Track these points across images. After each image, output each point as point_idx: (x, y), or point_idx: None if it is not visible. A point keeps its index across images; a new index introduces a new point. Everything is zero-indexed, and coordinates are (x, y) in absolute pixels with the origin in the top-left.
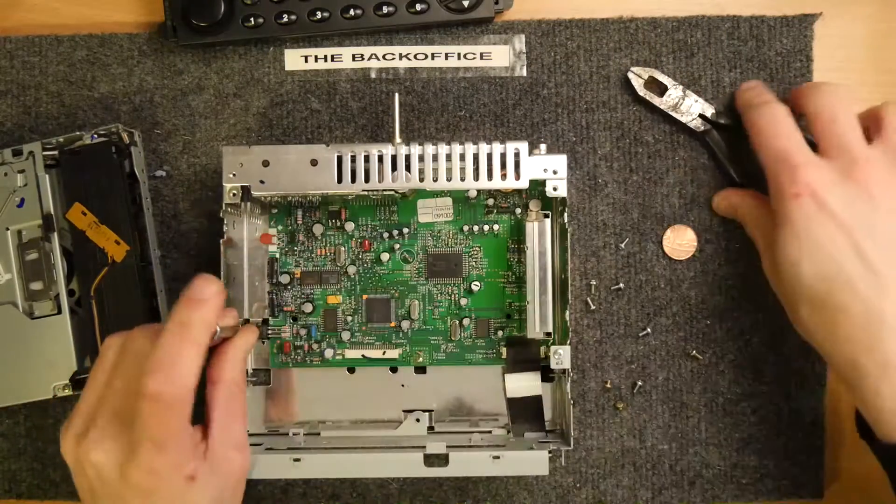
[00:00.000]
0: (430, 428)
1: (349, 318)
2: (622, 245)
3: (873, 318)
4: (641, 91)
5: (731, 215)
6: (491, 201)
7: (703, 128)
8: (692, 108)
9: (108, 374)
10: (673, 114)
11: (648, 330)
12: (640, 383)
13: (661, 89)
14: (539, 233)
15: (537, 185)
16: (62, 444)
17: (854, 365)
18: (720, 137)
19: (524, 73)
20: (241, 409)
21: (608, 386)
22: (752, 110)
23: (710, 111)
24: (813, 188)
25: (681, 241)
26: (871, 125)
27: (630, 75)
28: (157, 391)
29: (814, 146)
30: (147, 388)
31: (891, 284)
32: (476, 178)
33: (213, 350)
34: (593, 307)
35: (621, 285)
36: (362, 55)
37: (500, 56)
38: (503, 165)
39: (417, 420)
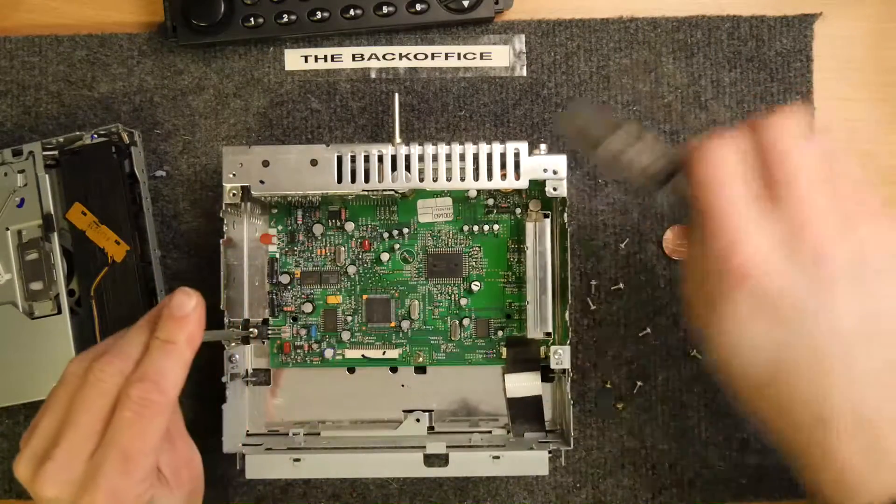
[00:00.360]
0: (430, 428)
1: (349, 318)
2: (622, 245)
3: (819, 420)
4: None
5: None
6: (491, 201)
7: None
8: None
9: (70, 401)
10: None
11: (648, 330)
12: (640, 383)
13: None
14: (539, 233)
15: (537, 185)
16: (16, 467)
17: (802, 461)
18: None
19: (524, 73)
20: (178, 424)
21: (608, 386)
22: (695, 156)
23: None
24: (754, 273)
25: (681, 242)
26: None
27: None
28: (141, 398)
29: None
30: (131, 395)
31: (840, 380)
32: (476, 178)
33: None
34: (593, 307)
35: (621, 285)
36: (362, 55)
37: (500, 56)
38: (503, 165)
39: (417, 420)
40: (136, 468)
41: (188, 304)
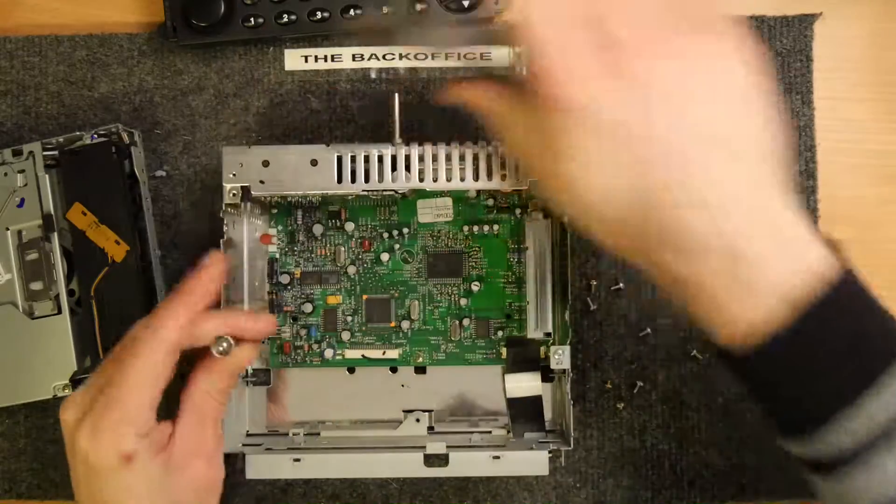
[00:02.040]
0: (430, 428)
1: (349, 319)
2: None
3: (674, 237)
4: None
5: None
6: (491, 201)
7: None
8: None
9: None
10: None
11: (648, 330)
12: (640, 383)
13: None
14: (539, 233)
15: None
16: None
17: (674, 286)
18: None
19: (524, 72)
20: (215, 420)
21: (608, 386)
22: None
23: None
24: (587, 101)
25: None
26: None
27: None
28: (131, 336)
29: None
30: (129, 332)
31: (688, 195)
32: (476, 178)
33: (207, 357)
34: (593, 307)
35: (621, 285)
36: (362, 55)
37: (500, 56)
38: (503, 166)
39: (417, 420)
40: (117, 405)
41: (213, 258)
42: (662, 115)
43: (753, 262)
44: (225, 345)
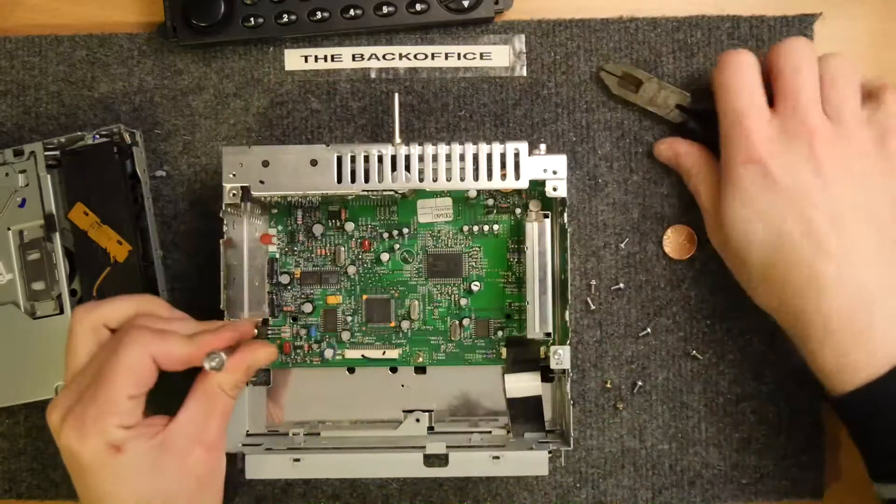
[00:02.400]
0: (430, 428)
1: (349, 319)
2: (622, 245)
3: (814, 283)
4: (616, 90)
5: (674, 165)
6: (491, 201)
7: (680, 119)
8: (668, 100)
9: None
10: (649, 108)
11: (648, 330)
12: (640, 383)
13: (637, 83)
14: (539, 233)
15: (537, 186)
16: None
17: (799, 327)
18: (698, 126)
19: (524, 73)
20: (223, 413)
21: (608, 386)
22: (719, 64)
23: (686, 100)
24: (762, 156)
25: (681, 241)
26: (864, 96)
27: (602, 74)
28: (114, 336)
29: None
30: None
31: (832, 251)
32: (476, 178)
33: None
34: (593, 307)
35: (621, 285)
36: (362, 55)
37: (500, 56)
38: (503, 165)
39: (417, 420)
40: (103, 391)
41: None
42: (829, 187)
43: (879, 314)
44: (217, 361)
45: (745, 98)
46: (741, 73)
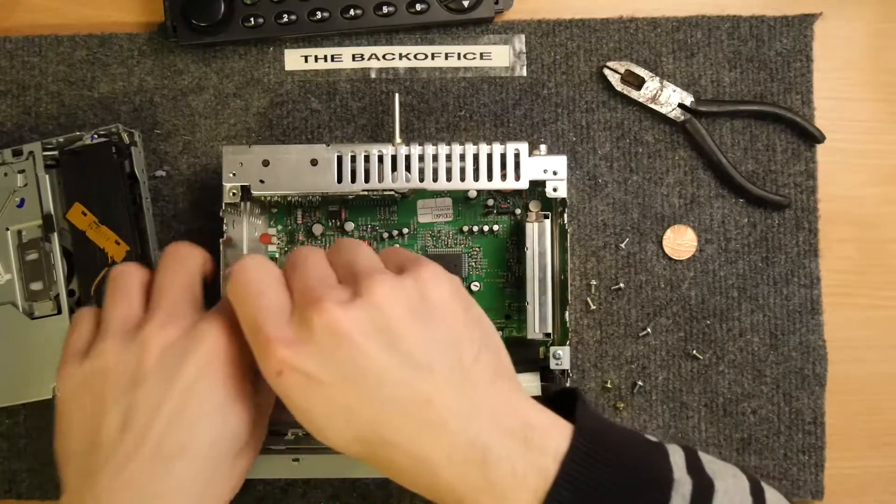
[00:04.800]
0: None
1: None
2: (622, 245)
3: (420, 462)
4: (618, 86)
5: None
6: (491, 202)
7: (682, 117)
8: (671, 99)
9: None
10: (652, 105)
11: (648, 330)
12: (640, 383)
13: (639, 82)
14: (539, 233)
15: (537, 186)
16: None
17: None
18: (700, 125)
19: (524, 73)
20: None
21: (608, 386)
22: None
23: (688, 100)
24: (292, 363)
25: (681, 241)
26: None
27: (606, 71)
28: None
29: None
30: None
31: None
32: (476, 178)
33: None
34: (593, 307)
35: (621, 285)
36: (362, 55)
37: (500, 56)
38: (503, 166)
39: None
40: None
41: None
42: (361, 361)
43: (498, 465)
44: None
45: (253, 304)
46: (248, 279)
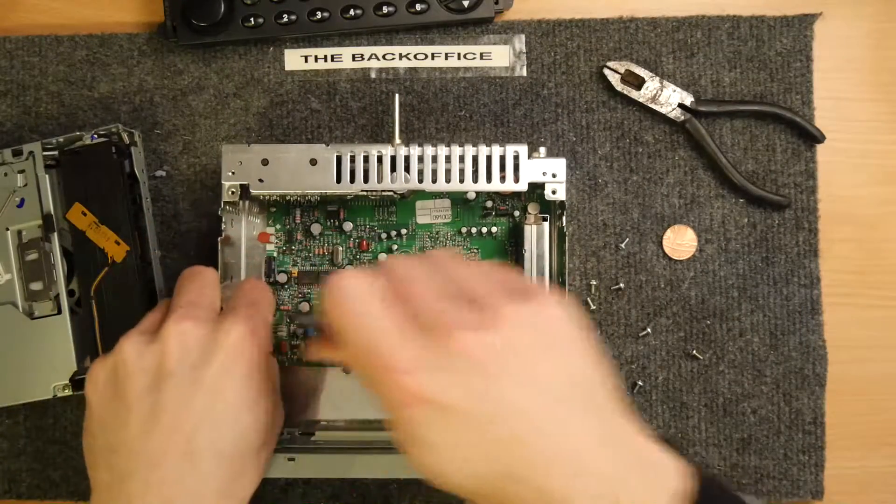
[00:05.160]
0: None
1: None
2: (622, 245)
3: (549, 497)
4: (618, 86)
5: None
6: (489, 203)
7: (682, 117)
8: (671, 99)
9: None
10: (652, 105)
11: (648, 330)
12: (640, 383)
13: (639, 82)
14: (537, 236)
15: (536, 188)
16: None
17: None
18: (700, 125)
19: (524, 73)
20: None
21: None
22: (327, 308)
23: (688, 100)
24: (423, 395)
25: (681, 241)
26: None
27: (606, 71)
28: None
29: None
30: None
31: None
32: (475, 180)
33: None
34: (593, 307)
35: (621, 285)
36: (362, 55)
37: (500, 56)
38: (502, 168)
39: None
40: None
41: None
42: (497, 391)
43: (630, 500)
44: None
45: (370, 334)
46: (352, 307)
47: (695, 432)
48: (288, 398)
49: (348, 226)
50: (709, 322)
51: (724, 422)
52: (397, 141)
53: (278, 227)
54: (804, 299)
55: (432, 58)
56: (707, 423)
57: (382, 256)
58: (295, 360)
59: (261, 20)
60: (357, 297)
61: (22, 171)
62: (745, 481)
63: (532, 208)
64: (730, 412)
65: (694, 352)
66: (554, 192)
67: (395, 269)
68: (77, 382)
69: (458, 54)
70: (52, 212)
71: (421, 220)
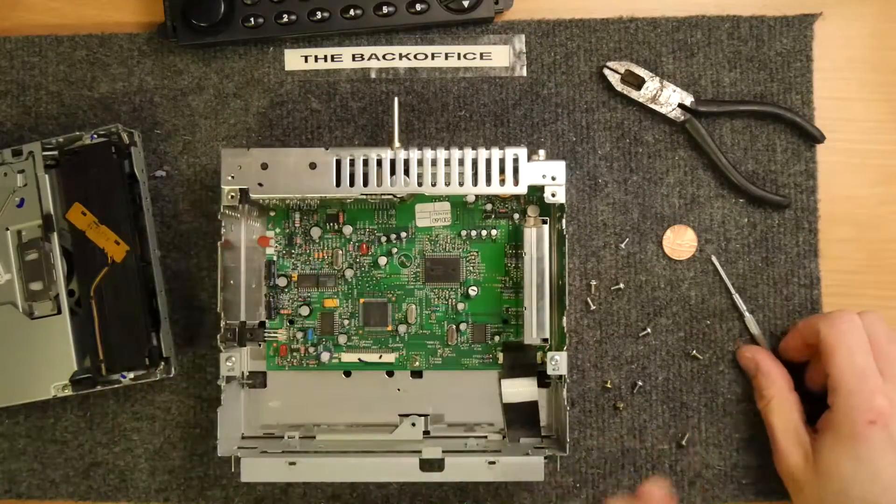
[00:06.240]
0: (426, 432)
1: (346, 322)
2: (622, 245)
3: None
4: (618, 86)
5: (750, 375)
6: (489, 206)
7: (682, 118)
8: (671, 99)
9: None
10: (652, 106)
11: (648, 330)
12: (640, 383)
13: (639, 82)
14: (537, 238)
15: (536, 191)
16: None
17: None
18: (700, 125)
19: (524, 73)
20: None
21: (608, 386)
22: (829, 324)
23: (688, 100)
24: (886, 419)
25: (681, 241)
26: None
27: (606, 71)
28: None
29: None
30: None
31: None
32: (475, 183)
33: None
34: (593, 307)
35: (621, 285)
36: (362, 55)
37: (500, 56)
38: (502, 171)
39: (413, 424)
40: None
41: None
42: None
43: None
44: None
45: (865, 356)
46: (856, 333)
47: (695, 432)
48: (288, 402)
49: (348, 229)
50: (709, 322)
51: (723, 422)
52: (396, 144)
53: (278, 230)
54: (804, 299)
55: (432, 58)
56: (707, 423)
57: (382, 260)
58: (295, 364)
59: (261, 20)
60: (858, 342)
61: (22, 171)
62: (745, 481)
63: (532, 211)
64: (730, 412)
65: (694, 352)
66: (553, 195)
67: (874, 324)
68: (76, 382)
69: (458, 54)
70: (52, 212)
71: (421, 223)
